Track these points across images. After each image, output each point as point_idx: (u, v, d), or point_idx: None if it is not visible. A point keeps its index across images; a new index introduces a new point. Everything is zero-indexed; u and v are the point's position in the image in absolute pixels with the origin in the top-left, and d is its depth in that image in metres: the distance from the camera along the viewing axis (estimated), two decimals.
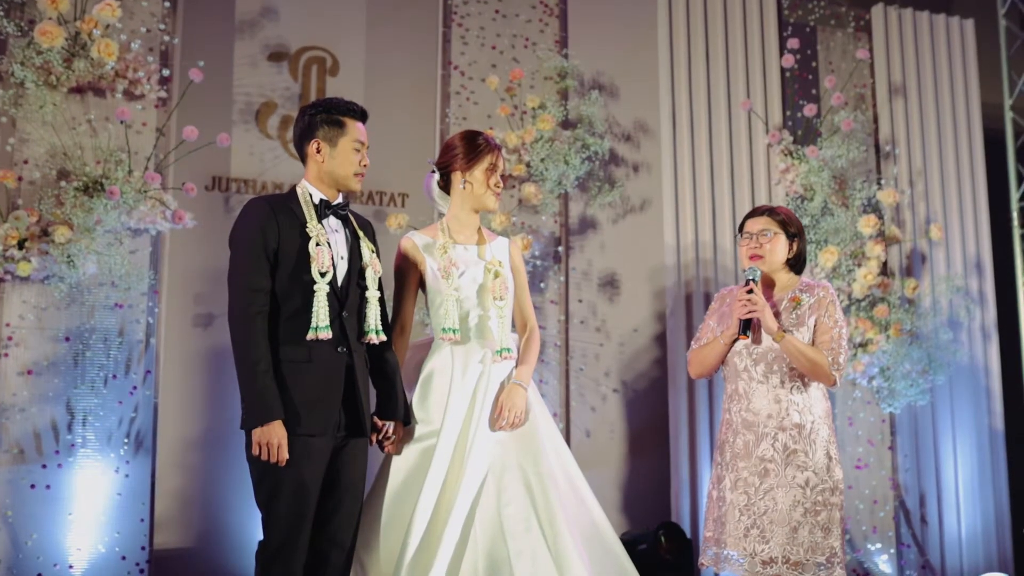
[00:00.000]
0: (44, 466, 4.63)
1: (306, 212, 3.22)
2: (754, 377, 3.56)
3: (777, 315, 3.56)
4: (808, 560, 3.38)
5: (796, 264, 3.69)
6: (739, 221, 4.01)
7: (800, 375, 3.52)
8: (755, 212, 3.72)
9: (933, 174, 6.58)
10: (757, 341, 3.56)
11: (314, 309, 3.11)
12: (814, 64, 6.45)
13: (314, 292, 3.12)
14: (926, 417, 6.25)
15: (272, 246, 3.14)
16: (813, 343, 3.52)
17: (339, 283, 3.22)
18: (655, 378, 5.86)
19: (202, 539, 4.97)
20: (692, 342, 3.81)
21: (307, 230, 3.18)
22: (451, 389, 3.41)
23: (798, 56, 6.21)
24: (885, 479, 6.07)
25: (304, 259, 3.15)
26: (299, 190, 3.30)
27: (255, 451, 3.07)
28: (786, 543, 3.39)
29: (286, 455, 3.06)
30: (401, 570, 3.19)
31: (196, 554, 4.94)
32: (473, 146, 3.58)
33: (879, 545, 5.98)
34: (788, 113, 6.31)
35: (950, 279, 6.30)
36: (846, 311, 5.96)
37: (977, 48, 6.84)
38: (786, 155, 6.09)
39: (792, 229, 3.66)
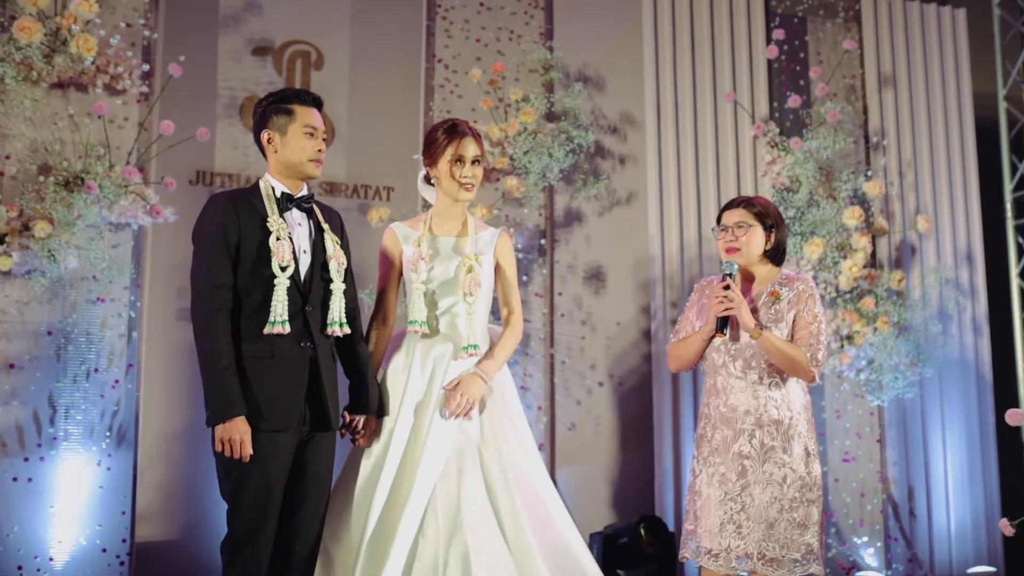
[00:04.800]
0: (26, 459, 4.66)
1: (267, 206, 3.20)
2: (732, 373, 3.50)
3: (755, 310, 3.50)
4: (784, 557, 3.35)
5: (775, 255, 3.60)
6: None
7: (779, 370, 3.46)
8: (731, 204, 3.63)
9: (923, 165, 6.53)
10: (735, 338, 3.49)
11: (273, 304, 3.10)
12: (803, 55, 6.41)
13: (274, 287, 3.11)
14: (915, 410, 6.21)
15: (233, 241, 3.13)
16: (792, 338, 3.46)
17: (301, 277, 3.21)
18: (641, 371, 5.84)
19: (184, 532, 4.98)
20: (671, 335, 3.74)
21: (267, 224, 3.16)
22: (408, 382, 3.40)
23: (786, 47, 6.17)
24: (873, 472, 6.04)
25: (265, 254, 3.13)
26: (262, 184, 3.28)
27: (218, 447, 3.08)
28: (762, 539, 3.36)
29: (249, 451, 3.06)
30: (359, 558, 3.20)
31: (177, 547, 4.96)
32: (433, 139, 3.54)
33: (866, 538, 5.95)
34: (775, 104, 6.27)
35: (939, 271, 6.24)
36: (832, 303, 5.92)
37: (969, 38, 6.78)
38: (772, 147, 6.06)
39: (769, 220, 3.57)
